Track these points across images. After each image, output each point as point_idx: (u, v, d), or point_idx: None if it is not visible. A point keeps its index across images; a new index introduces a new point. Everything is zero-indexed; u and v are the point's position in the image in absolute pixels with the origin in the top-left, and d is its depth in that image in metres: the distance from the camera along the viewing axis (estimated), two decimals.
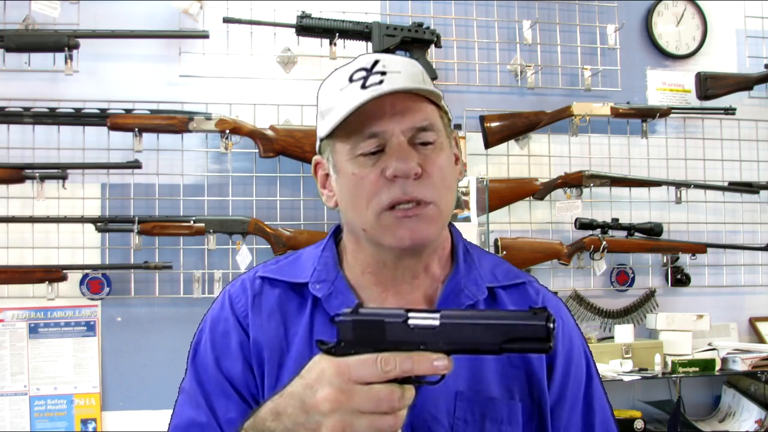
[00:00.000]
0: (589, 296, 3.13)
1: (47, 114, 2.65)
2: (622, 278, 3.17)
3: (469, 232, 2.71)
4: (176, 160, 2.83)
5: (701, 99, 3.21)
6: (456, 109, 2.98)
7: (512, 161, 3.11)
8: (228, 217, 2.79)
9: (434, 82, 2.79)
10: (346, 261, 1.21)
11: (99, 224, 2.67)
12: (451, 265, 1.21)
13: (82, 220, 2.69)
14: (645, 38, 3.30)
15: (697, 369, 2.88)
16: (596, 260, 3.05)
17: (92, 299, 2.75)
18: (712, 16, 3.34)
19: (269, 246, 2.75)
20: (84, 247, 2.74)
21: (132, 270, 2.74)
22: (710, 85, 3.17)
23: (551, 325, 0.88)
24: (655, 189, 3.17)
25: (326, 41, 2.85)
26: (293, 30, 2.82)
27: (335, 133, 1.10)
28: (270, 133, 2.77)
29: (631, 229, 3.07)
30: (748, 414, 2.99)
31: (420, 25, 2.90)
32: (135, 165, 2.68)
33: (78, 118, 2.67)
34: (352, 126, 1.08)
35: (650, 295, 3.17)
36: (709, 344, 3.04)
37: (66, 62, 2.66)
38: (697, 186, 3.18)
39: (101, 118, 2.66)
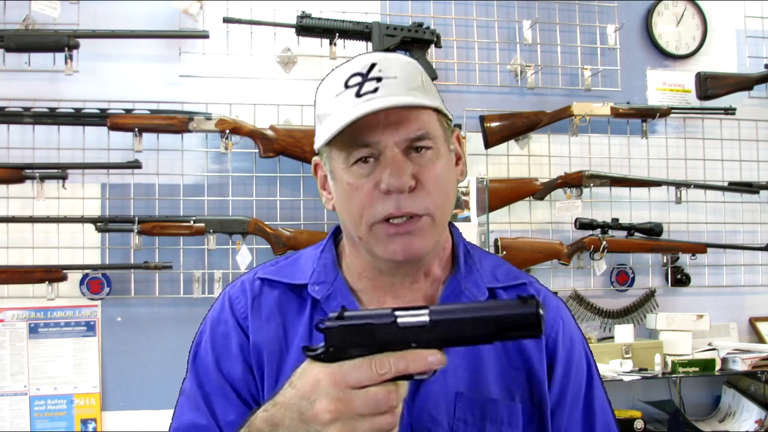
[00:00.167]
0: (589, 296, 3.13)
1: (47, 114, 2.65)
2: (622, 278, 3.17)
3: (469, 232, 2.71)
4: (176, 160, 2.83)
5: (701, 99, 3.21)
6: (456, 109, 2.98)
7: (512, 161, 3.11)
8: (228, 217, 2.79)
9: (434, 82, 2.81)
10: (345, 262, 1.20)
11: (99, 224, 2.67)
12: (451, 266, 1.20)
13: (82, 220, 2.69)
14: (645, 38, 3.30)
15: (697, 369, 2.88)
16: (596, 260, 3.05)
17: (92, 299, 2.75)
18: (712, 16, 3.34)
19: (269, 246, 2.75)
20: (84, 247, 2.74)
21: (132, 270, 2.74)
22: (710, 85, 3.17)
23: (541, 312, 0.87)
24: (655, 189, 3.17)
25: (326, 41, 2.85)
26: (293, 30, 2.82)
27: (331, 142, 1.09)
28: (270, 133, 2.77)
29: (631, 229, 3.07)
30: (748, 414, 2.99)
31: (420, 25, 2.90)
32: (135, 165, 2.68)
33: (78, 118, 2.67)
34: (346, 136, 1.06)
35: (650, 295, 3.17)
36: (709, 344, 3.04)
37: (66, 62, 2.66)
38: (697, 186, 3.18)
39: (101, 118, 2.66)
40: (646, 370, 2.86)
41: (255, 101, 2.89)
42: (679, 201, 3.13)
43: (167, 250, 2.77)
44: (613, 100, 3.12)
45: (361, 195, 1.08)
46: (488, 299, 1.17)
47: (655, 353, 2.86)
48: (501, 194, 2.95)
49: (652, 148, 3.23)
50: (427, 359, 0.89)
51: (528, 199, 3.04)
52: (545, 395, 1.15)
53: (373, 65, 1.08)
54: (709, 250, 3.17)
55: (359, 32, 2.84)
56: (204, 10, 2.85)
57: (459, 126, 2.95)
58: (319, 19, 2.82)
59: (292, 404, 0.92)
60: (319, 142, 1.11)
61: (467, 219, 2.77)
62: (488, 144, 2.99)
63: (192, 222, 2.71)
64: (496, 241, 2.90)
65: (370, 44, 2.86)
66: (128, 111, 2.69)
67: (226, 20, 2.80)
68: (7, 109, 2.64)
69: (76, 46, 2.65)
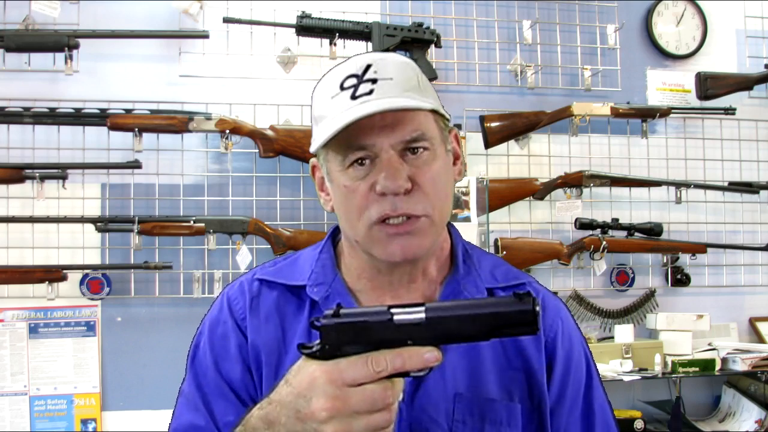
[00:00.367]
0: (589, 296, 3.13)
1: (47, 114, 2.65)
2: (622, 278, 3.17)
3: (469, 232, 2.71)
4: (176, 160, 2.83)
5: (701, 99, 3.21)
6: (456, 109, 2.98)
7: (512, 161, 3.11)
8: (228, 217, 2.79)
9: (434, 82, 2.82)
10: (344, 263, 1.20)
11: (99, 224, 2.67)
12: (450, 266, 1.20)
13: (82, 220, 2.69)
14: (645, 38, 3.30)
15: (697, 369, 2.88)
16: (596, 260, 3.05)
17: (92, 299, 2.75)
18: (712, 16, 3.34)
19: (269, 246, 2.76)
20: (84, 247, 2.74)
21: (132, 270, 2.74)
22: (710, 85, 3.17)
23: (537, 308, 0.87)
24: (655, 189, 3.17)
25: (326, 41, 2.85)
26: (293, 30, 2.82)
27: (327, 144, 1.08)
28: (270, 133, 2.77)
29: (631, 229, 3.07)
30: (748, 414, 2.99)
31: (420, 25, 2.90)
32: (135, 165, 2.68)
33: (78, 118, 2.67)
34: (341, 139, 1.06)
35: (650, 295, 3.17)
36: (709, 344, 3.04)
37: (66, 62, 2.66)
38: (697, 186, 3.18)
39: (101, 118, 2.66)
40: (646, 370, 2.86)
41: (255, 101, 2.89)
42: (679, 201, 3.13)
43: (167, 250, 2.77)
44: (613, 100, 3.12)
45: (357, 197, 1.08)
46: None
47: (655, 353, 2.86)
48: (501, 194, 2.95)
49: (652, 148, 3.23)
50: (423, 356, 0.89)
51: (528, 199, 3.04)
52: (544, 395, 1.15)
53: (368, 66, 1.08)
54: (709, 250, 3.17)
55: (359, 32, 2.84)
56: (204, 10, 2.85)
57: (459, 126, 2.96)
58: (319, 19, 2.82)
59: (288, 402, 0.92)
60: (315, 145, 1.11)
61: (467, 219, 2.77)
62: (488, 144, 2.99)
63: (192, 222, 2.71)
64: (496, 241, 2.90)
65: (370, 44, 2.86)
66: (128, 111, 2.69)
67: (226, 20, 2.81)
68: (7, 109, 2.64)
69: (76, 46, 2.66)
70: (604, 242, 3.01)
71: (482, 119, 2.99)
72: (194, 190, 2.84)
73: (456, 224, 1.26)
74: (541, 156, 3.14)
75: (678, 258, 3.16)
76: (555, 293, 1.28)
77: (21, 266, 2.65)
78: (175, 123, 2.70)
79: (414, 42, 2.88)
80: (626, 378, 2.78)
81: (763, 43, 3.37)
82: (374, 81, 1.07)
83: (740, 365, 2.91)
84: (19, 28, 2.68)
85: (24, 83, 2.73)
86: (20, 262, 2.69)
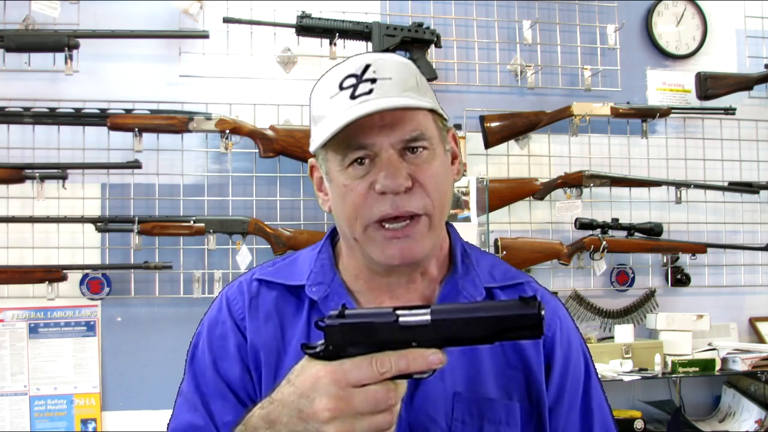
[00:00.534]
0: (589, 296, 3.13)
1: (47, 114, 2.65)
2: (622, 278, 3.17)
3: (469, 232, 2.71)
4: (176, 160, 2.83)
5: (701, 99, 3.21)
6: (456, 109, 2.98)
7: (512, 161, 3.11)
8: (228, 217, 2.79)
9: (434, 82, 2.82)
10: (342, 263, 1.20)
11: (99, 224, 2.68)
12: (448, 265, 1.20)
13: (82, 220, 2.69)
14: (645, 38, 3.30)
15: (697, 369, 2.88)
16: (596, 260, 3.05)
17: (92, 299, 2.75)
18: (712, 16, 3.34)
19: (269, 246, 2.76)
20: (84, 247, 2.74)
21: (132, 270, 2.74)
22: (710, 85, 3.17)
23: (542, 313, 0.88)
24: (655, 189, 3.17)
25: (326, 41, 2.85)
26: (293, 30, 2.82)
27: (326, 144, 1.08)
28: (270, 133, 2.77)
29: (631, 229, 3.07)
30: (748, 414, 2.99)
31: (420, 25, 2.90)
32: (135, 165, 2.68)
33: (78, 118, 2.67)
34: (341, 138, 1.06)
35: (650, 295, 3.17)
36: (709, 344, 3.04)
37: (66, 62, 2.66)
38: (697, 186, 3.18)
39: (101, 118, 2.66)
40: (646, 370, 2.86)
41: (255, 101, 2.89)
42: (679, 201, 3.13)
43: (167, 250, 2.77)
44: (613, 100, 3.12)
45: (356, 196, 1.08)
46: (485, 298, 1.18)
47: (655, 353, 2.86)
48: (501, 194, 2.95)
49: (652, 148, 3.23)
50: (428, 358, 0.89)
51: (528, 199, 3.04)
52: (543, 395, 1.15)
53: (367, 66, 1.08)
54: (709, 250, 3.17)
55: (359, 32, 2.84)
56: (204, 10, 2.85)
57: (459, 126, 2.96)
58: (319, 19, 2.82)
59: (291, 402, 0.92)
60: (314, 144, 1.11)
61: (467, 219, 2.77)
62: (488, 144, 2.99)
63: (192, 222, 2.71)
64: (496, 241, 2.90)
65: (370, 44, 2.86)
66: (128, 111, 2.69)
67: (226, 20, 2.81)
68: (7, 109, 2.64)
69: (76, 46, 2.66)
70: (604, 242, 3.01)
71: (482, 119, 2.99)
72: (194, 190, 2.84)
73: (456, 224, 1.26)
74: (541, 156, 3.14)
75: (678, 258, 3.16)
76: (555, 293, 1.28)
77: (21, 266, 2.65)
78: (175, 123, 2.70)
79: (414, 42, 2.88)
80: (626, 378, 2.78)
81: (763, 43, 3.37)
82: (373, 81, 1.07)
83: (740, 365, 2.91)
84: (19, 28, 2.69)
85: (24, 83, 2.73)
86: (20, 262, 2.69)
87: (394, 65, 1.11)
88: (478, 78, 3.10)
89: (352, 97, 1.06)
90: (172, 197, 2.82)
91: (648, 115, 3.11)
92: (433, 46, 2.92)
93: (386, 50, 2.80)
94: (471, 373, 1.13)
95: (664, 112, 3.14)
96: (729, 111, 3.18)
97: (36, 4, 2.70)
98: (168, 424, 1.18)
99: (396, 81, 1.08)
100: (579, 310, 3.08)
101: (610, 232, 3.05)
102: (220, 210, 2.84)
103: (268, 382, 1.13)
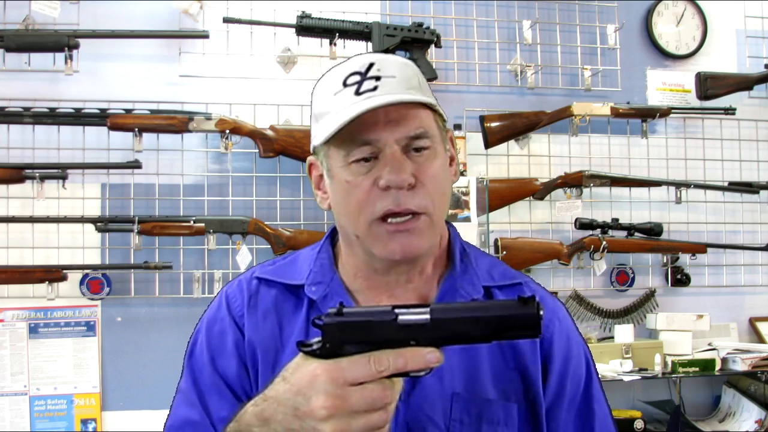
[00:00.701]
0: (589, 296, 3.13)
1: (47, 114, 2.65)
2: (622, 278, 3.17)
3: (469, 232, 2.71)
4: (176, 160, 2.83)
5: (701, 99, 3.21)
6: (456, 109, 2.99)
7: (512, 161, 3.11)
8: (228, 217, 2.79)
9: (434, 82, 2.82)
10: (341, 263, 1.21)
11: (99, 224, 2.68)
12: (447, 264, 1.21)
13: (82, 220, 2.69)
14: (645, 38, 3.30)
15: (697, 369, 2.88)
16: (596, 260, 3.04)
17: (92, 299, 2.75)
18: (712, 16, 3.34)
19: (269, 246, 2.76)
20: (84, 247, 2.74)
21: (132, 270, 2.74)
22: (710, 85, 3.17)
23: (541, 313, 0.88)
24: (655, 189, 3.17)
25: (326, 41, 2.85)
26: (293, 30, 2.82)
27: (329, 139, 1.09)
28: (270, 133, 2.77)
29: (631, 229, 3.07)
30: (748, 414, 2.99)
31: (420, 25, 2.90)
32: (135, 165, 2.68)
33: (78, 118, 2.67)
34: (345, 134, 1.07)
35: (650, 295, 3.17)
36: (709, 344, 3.04)
37: (66, 62, 2.66)
38: (697, 186, 3.18)
39: (101, 118, 2.66)
40: (646, 370, 2.86)
41: (255, 101, 2.89)
42: (679, 201, 3.13)
43: (167, 250, 2.77)
44: (613, 100, 3.12)
45: (359, 192, 1.08)
46: (484, 298, 1.18)
47: (655, 353, 2.86)
48: (501, 194, 2.95)
49: (652, 148, 3.23)
50: (425, 357, 0.89)
51: (528, 199, 3.04)
52: (539, 395, 1.15)
53: (371, 65, 1.09)
54: (709, 250, 3.17)
55: (359, 32, 2.84)
56: (204, 10, 2.85)
57: (459, 126, 2.96)
58: (319, 19, 2.82)
59: (286, 399, 0.92)
60: (316, 141, 1.12)
61: (467, 219, 2.77)
62: (488, 144, 2.99)
63: (192, 222, 2.71)
64: (496, 241, 2.90)
65: (370, 44, 2.86)
66: (128, 111, 2.69)
67: (226, 20, 2.81)
68: (7, 109, 2.64)
69: (76, 46, 2.66)
70: (604, 242, 3.01)
71: (482, 119, 2.99)
72: (194, 190, 2.84)
73: (456, 224, 1.26)
74: (541, 156, 3.14)
75: (678, 258, 3.16)
76: (555, 293, 1.28)
77: (21, 266, 2.65)
78: (175, 123, 2.70)
79: (414, 42, 2.88)
80: (626, 378, 2.78)
81: (763, 43, 3.37)
82: (378, 78, 1.08)
83: (740, 365, 2.91)
84: (19, 28, 2.69)
85: (24, 83, 2.73)
86: (20, 262, 2.69)
87: (397, 65, 1.12)
88: (478, 78, 3.10)
89: (357, 93, 1.07)
90: (172, 197, 2.82)
91: (648, 115, 3.11)
92: (433, 46, 2.92)
93: (386, 50, 2.80)
94: (469, 374, 1.13)
95: (664, 112, 3.14)
96: (729, 111, 3.18)
97: (36, 4, 2.70)
98: (166, 420, 1.19)
99: (400, 79, 1.09)
100: (579, 310, 3.08)
101: (610, 232, 3.05)
102: (220, 210, 2.84)
103: (265, 380, 1.13)
